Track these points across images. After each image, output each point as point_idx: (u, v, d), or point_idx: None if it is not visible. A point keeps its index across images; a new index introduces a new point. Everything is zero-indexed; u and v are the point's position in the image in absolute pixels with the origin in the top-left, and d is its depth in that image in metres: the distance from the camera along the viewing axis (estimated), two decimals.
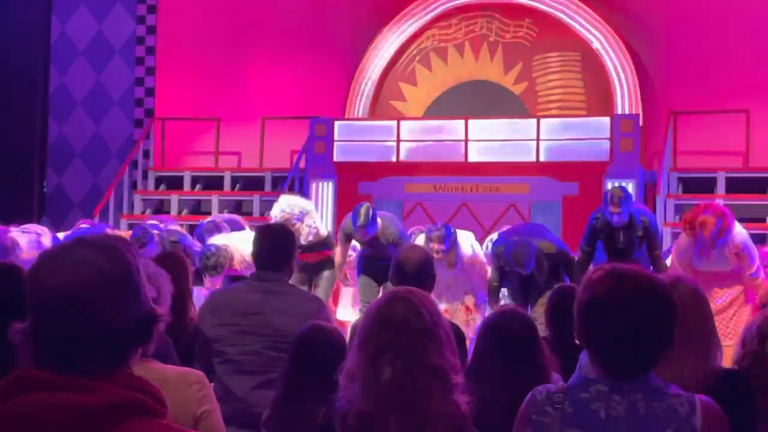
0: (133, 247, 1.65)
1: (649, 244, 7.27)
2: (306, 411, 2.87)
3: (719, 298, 6.53)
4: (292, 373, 3.25)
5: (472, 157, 10.88)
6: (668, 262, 7.11)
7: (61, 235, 7.65)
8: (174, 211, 11.98)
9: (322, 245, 7.62)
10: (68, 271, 1.53)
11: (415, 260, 4.18)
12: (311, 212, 7.56)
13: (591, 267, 6.37)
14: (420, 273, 4.08)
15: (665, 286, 2.24)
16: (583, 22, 11.71)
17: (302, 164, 11.57)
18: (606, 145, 10.34)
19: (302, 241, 7.27)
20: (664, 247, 7.99)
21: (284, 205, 7.47)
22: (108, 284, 1.54)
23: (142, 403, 1.53)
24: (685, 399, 2.17)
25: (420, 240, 7.38)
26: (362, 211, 7.27)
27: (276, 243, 4.26)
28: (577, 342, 4.13)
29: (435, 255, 6.83)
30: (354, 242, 7.76)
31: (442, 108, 12.12)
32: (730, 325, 6.48)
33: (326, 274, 7.57)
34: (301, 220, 7.36)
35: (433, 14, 12.32)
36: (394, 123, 11.43)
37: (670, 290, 2.26)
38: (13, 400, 1.49)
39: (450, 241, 7.21)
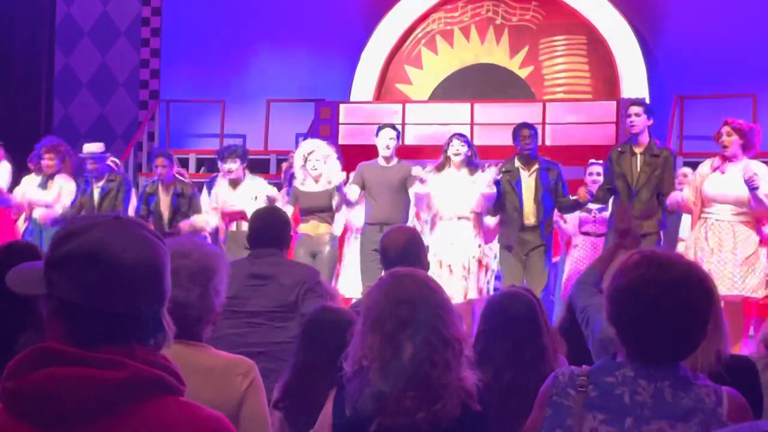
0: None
1: (663, 180, 7.08)
2: (317, 392, 2.87)
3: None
4: (304, 355, 3.24)
5: (478, 141, 10.83)
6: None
7: None
8: None
9: (329, 202, 7.68)
10: (134, 248, 1.54)
11: (399, 243, 4.18)
12: (332, 156, 7.78)
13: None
14: (406, 255, 4.07)
15: (705, 274, 2.18)
16: (590, 5, 11.67)
17: None
18: (612, 129, 10.31)
19: (319, 183, 7.63)
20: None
21: (310, 144, 7.87)
22: (165, 262, 1.58)
23: (162, 380, 1.53)
24: (712, 389, 2.13)
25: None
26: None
27: (270, 222, 4.51)
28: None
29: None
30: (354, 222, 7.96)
31: (447, 91, 12.09)
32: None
33: (327, 253, 7.58)
34: (322, 161, 7.68)
35: None
36: (399, 106, 11.40)
37: (709, 278, 2.19)
38: (35, 373, 1.48)
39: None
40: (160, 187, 8.42)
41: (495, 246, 7.99)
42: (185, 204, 8.26)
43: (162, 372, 1.54)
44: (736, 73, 11.04)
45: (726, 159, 6.75)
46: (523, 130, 7.58)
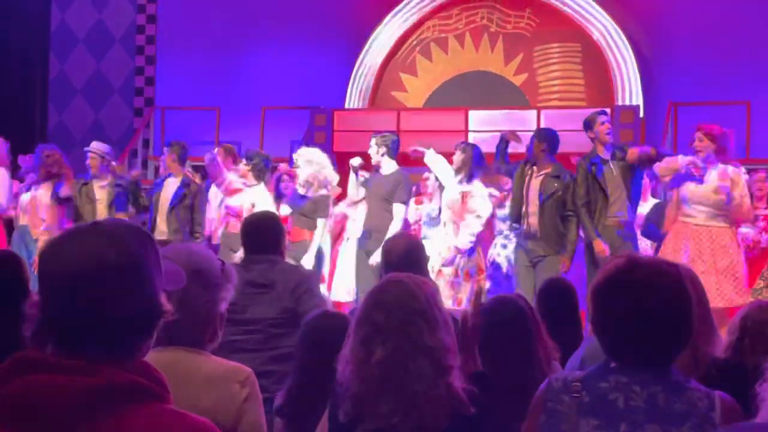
0: (148, 239, 1.64)
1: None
2: (319, 398, 2.87)
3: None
4: (305, 362, 3.24)
5: None
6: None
7: None
8: None
9: (315, 209, 7.74)
10: (70, 256, 1.54)
11: (400, 247, 4.19)
12: (326, 168, 7.86)
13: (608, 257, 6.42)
14: (406, 260, 4.08)
15: (682, 276, 2.20)
16: (584, 13, 11.70)
17: None
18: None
19: (303, 188, 7.74)
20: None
21: (312, 154, 7.93)
22: (108, 274, 1.54)
23: (142, 386, 1.52)
24: (704, 394, 2.15)
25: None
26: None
27: (263, 227, 4.46)
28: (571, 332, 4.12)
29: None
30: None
31: (442, 98, 12.10)
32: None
33: (306, 262, 7.60)
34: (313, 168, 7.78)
35: (433, 4, 12.30)
36: (394, 113, 11.41)
37: (686, 281, 2.21)
38: (13, 382, 1.48)
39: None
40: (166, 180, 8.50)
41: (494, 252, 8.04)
42: (189, 196, 8.30)
43: (142, 378, 1.53)
44: (730, 81, 11.06)
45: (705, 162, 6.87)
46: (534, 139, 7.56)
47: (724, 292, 6.58)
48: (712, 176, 6.77)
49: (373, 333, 2.51)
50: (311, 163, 7.78)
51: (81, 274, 1.53)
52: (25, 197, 8.57)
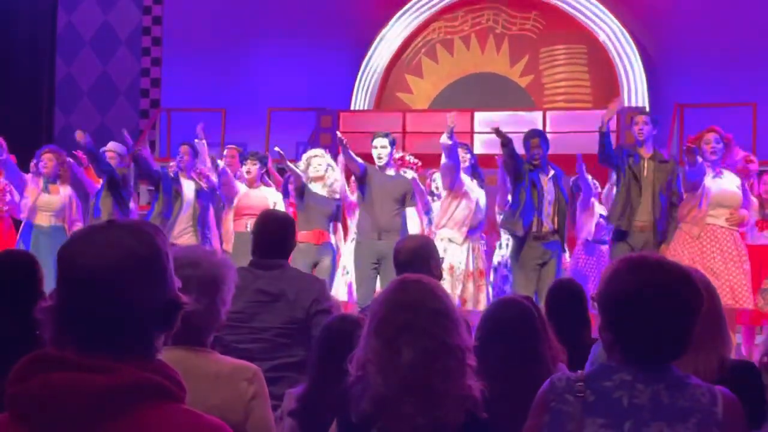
0: (161, 232, 1.65)
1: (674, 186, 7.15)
2: (333, 401, 2.87)
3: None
4: (321, 365, 3.24)
5: (478, 150, 10.86)
6: None
7: None
8: None
9: (338, 214, 7.81)
10: (99, 251, 1.54)
11: (410, 247, 4.19)
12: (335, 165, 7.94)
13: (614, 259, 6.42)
14: (414, 259, 4.08)
15: (692, 276, 2.20)
16: (590, 15, 11.71)
17: None
18: (612, 138, 10.31)
19: (323, 189, 7.79)
20: None
21: (318, 152, 8.06)
22: (136, 266, 1.55)
23: (160, 386, 1.53)
24: (706, 389, 2.15)
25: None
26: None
27: (273, 229, 4.33)
28: (581, 334, 4.12)
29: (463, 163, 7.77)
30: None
31: (447, 100, 12.11)
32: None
33: (327, 263, 7.58)
34: (325, 166, 7.86)
35: (439, 6, 12.33)
36: (400, 115, 11.42)
37: (696, 280, 2.21)
38: (32, 380, 1.49)
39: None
40: (181, 178, 8.51)
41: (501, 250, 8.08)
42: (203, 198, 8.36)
43: (159, 378, 1.53)
44: (736, 82, 11.06)
45: (714, 165, 6.84)
46: (532, 140, 7.46)
47: (749, 293, 6.58)
48: (730, 178, 6.75)
49: (399, 334, 2.51)
50: (332, 167, 7.85)
51: (111, 267, 1.53)
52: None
